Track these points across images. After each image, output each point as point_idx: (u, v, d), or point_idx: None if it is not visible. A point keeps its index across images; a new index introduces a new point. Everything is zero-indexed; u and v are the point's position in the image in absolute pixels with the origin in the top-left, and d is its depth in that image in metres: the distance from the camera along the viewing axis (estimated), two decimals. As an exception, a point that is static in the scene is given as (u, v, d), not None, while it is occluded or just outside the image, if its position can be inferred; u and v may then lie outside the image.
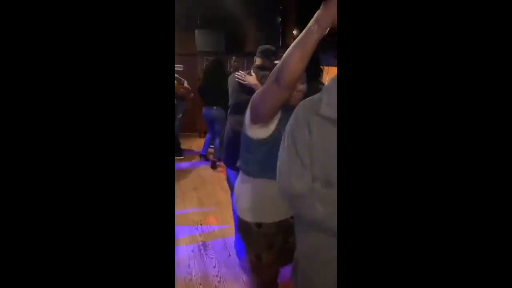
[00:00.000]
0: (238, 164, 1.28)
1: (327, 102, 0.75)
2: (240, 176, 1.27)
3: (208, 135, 4.15)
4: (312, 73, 2.01)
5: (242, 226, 1.26)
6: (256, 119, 1.07)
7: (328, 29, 0.78)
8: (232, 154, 1.56)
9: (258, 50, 1.93)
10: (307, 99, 0.83)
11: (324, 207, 0.74)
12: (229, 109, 1.97)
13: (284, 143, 0.81)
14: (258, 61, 1.94)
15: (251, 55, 2.16)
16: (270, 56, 1.94)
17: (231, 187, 1.94)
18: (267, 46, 1.95)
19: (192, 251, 2.17)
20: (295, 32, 4.90)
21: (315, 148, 0.75)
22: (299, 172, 0.77)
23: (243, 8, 4.90)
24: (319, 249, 0.80)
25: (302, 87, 1.16)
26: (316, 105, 0.77)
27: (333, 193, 0.69)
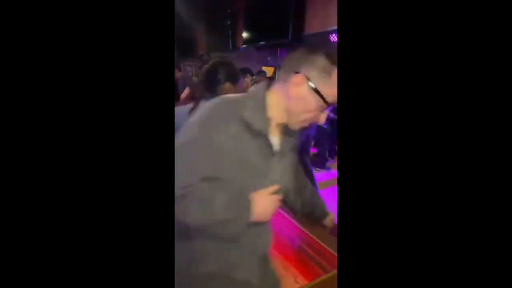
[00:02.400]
0: None
1: (253, 106, 0.70)
2: None
3: None
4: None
5: None
6: None
7: None
8: None
9: None
10: (228, 97, 0.74)
11: (207, 210, 0.67)
12: None
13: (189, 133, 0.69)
14: None
15: (202, 58, 2.33)
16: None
17: None
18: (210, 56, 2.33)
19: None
20: (244, 34, 4.99)
21: (222, 151, 0.66)
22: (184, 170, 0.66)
23: (192, 12, 4.85)
24: (201, 261, 0.74)
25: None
26: (240, 107, 0.70)
27: (230, 199, 0.68)
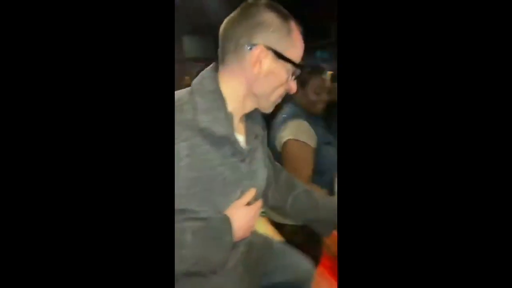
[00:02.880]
0: None
1: (208, 104, 0.54)
2: None
3: None
4: None
5: None
6: None
7: None
8: None
9: None
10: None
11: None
12: None
13: None
14: None
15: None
16: None
17: None
18: None
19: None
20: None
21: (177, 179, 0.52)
22: None
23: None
24: None
25: None
26: (187, 110, 0.54)
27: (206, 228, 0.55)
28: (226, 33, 0.55)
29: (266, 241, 0.77)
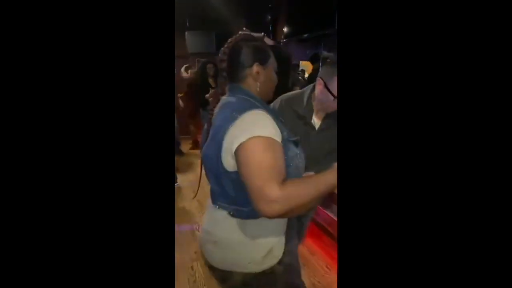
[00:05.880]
0: None
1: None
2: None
3: None
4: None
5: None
6: None
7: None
8: None
9: None
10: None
11: None
12: None
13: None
14: None
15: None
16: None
17: None
18: None
19: (195, 252, 2.17)
20: (285, 29, 4.90)
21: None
22: None
23: (233, 7, 4.89)
24: None
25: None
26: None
27: None
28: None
29: None
